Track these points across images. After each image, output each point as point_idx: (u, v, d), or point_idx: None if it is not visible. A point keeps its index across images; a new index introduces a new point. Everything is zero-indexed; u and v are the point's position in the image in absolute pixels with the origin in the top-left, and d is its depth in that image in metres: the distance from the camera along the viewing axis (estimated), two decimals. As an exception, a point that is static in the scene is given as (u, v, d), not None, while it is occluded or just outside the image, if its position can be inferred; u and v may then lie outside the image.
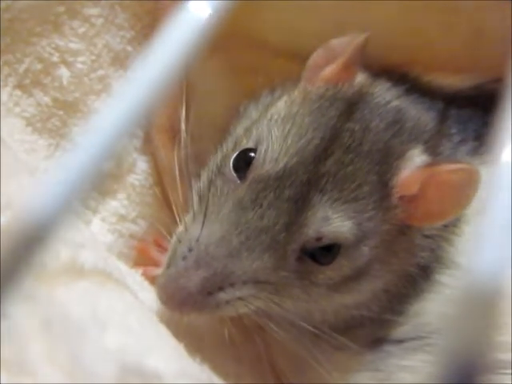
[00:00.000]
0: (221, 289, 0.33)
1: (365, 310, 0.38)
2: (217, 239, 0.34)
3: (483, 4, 0.46)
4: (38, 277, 0.26)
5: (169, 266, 0.34)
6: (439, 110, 0.42)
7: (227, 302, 0.34)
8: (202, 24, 0.20)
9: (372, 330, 0.39)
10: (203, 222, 0.35)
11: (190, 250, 0.34)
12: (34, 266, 0.17)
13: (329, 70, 0.39)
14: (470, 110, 0.44)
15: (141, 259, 0.43)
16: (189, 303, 0.33)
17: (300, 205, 0.34)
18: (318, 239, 0.35)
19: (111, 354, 0.26)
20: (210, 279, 0.33)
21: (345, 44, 0.39)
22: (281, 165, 0.35)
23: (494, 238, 0.15)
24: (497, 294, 0.14)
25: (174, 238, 0.36)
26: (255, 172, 0.35)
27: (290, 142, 0.36)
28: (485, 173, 0.34)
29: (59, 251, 0.28)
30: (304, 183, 0.34)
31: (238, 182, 0.36)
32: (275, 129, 0.36)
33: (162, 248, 0.42)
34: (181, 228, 0.36)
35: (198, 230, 0.34)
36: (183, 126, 0.41)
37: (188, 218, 0.36)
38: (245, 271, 0.34)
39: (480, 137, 0.42)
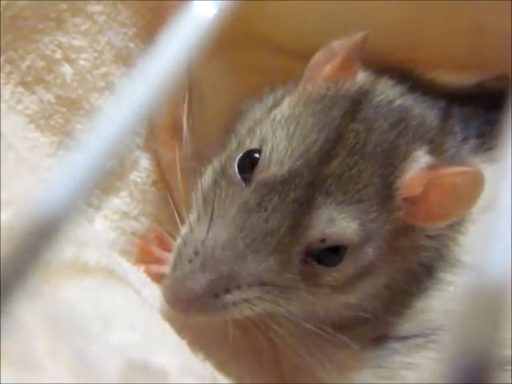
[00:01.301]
0: (227, 291, 0.34)
1: (369, 308, 0.38)
2: (223, 242, 0.34)
3: (485, 3, 0.46)
4: (42, 274, 0.26)
5: (175, 268, 0.34)
6: (442, 108, 0.42)
7: (233, 304, 0.34)
8: (206, 23, 0.20)
9: (376, 327, 0.39)
10: (209, 225, 0.35)
11: (196, 252, 0.34)
12: (38, 263, 0.17)
13: (328, 68, 0.39)
14: (472, 108, 0.44)
15: (143, 257, 0.43)
16: (195, 305, 0.34)
17: (305, 207, 0.34)
18: (323, 241, 0.35)
19: (115, 350, 0.26)
20: (216, 282, 0.33)
21: (345, 44, 0.39)
22: (286, 167, 0.35)
23: (501, 235, 0.15)
24: (505, 291, 0.14)
25: (179, 240, 0.36)
26: (260, 175, 0.35)
27: (294, 143, 0.35)
28: (488, 170, 0.34)
29: (63, 248, 0.28)
30: (309, 185, 0.34)
31: (243, 184, 0.36)
32: (279, 130, 0.36)
33: (163, 245, 0.42)
34: (185, 229, 0.36)
35: (203, 233, 0.34)
36: (185, 124, 0.41)
37: (192, 219, 0.36)
38: (250, 274, 0.34)
39: (482, 134, 0.42)
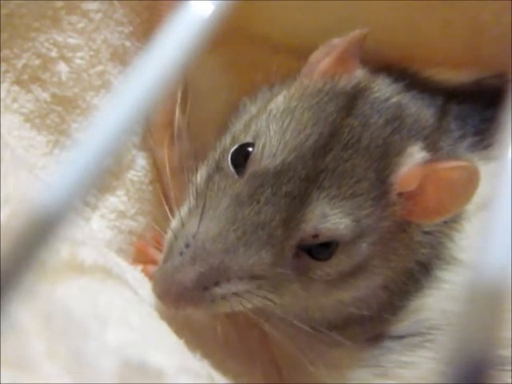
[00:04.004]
0: (217, 284, 0.33)
1: (364, 306, 0.38)
2: (214, 235, 0.33)
3: (483, 2, 0.46)
4: (39, 273, 0.26)
5: (165, 261, 0.34)
6: (439, 105, 0.42)
7: (223, 297, 0.34)
8: (204, 21, 0.20)
9: (372, 326, 0.39)
10: (200, 218, 0.34)
11: (187, 245, 0.34)
12: (34, 263, 0.17)
13: (325, 63, 0.39)
14: (469, 106, 0.44)
15: (140, 257, 0.43)
16: (184, 298, 0.33)
17: (298, 201, 0.34)
18: (315, 236, 0.34)
19: (112, 349, 0.26)
20: (206, 274, 0.33)
21: (344, 40, 0.39)
22: (279, 160, 0.35)
23: (500, 233, 0.15)
24: (503, 290, 0.14)
25: (170, 234, 0.36)
26: (253, 167, 0.35)
27: (288, 137, 0.35)
28: (484, 168, 0.34)
29: (59, 248, 0.28)
30: (302, 179, 0.34)
31: (236, 177, 0.36)
32: (274, 124, 0.36)
33: (161, 246, 0.42)
34: (176, 223, 0.36)
35: (194, 226, 0.34)
36: (180, 122, 0.41)
37: (184, 212, 0.36)
38: (241, 267, 0.33)
39: (479, 132, 0.42)
